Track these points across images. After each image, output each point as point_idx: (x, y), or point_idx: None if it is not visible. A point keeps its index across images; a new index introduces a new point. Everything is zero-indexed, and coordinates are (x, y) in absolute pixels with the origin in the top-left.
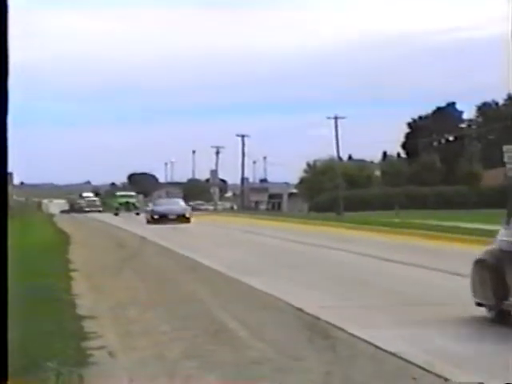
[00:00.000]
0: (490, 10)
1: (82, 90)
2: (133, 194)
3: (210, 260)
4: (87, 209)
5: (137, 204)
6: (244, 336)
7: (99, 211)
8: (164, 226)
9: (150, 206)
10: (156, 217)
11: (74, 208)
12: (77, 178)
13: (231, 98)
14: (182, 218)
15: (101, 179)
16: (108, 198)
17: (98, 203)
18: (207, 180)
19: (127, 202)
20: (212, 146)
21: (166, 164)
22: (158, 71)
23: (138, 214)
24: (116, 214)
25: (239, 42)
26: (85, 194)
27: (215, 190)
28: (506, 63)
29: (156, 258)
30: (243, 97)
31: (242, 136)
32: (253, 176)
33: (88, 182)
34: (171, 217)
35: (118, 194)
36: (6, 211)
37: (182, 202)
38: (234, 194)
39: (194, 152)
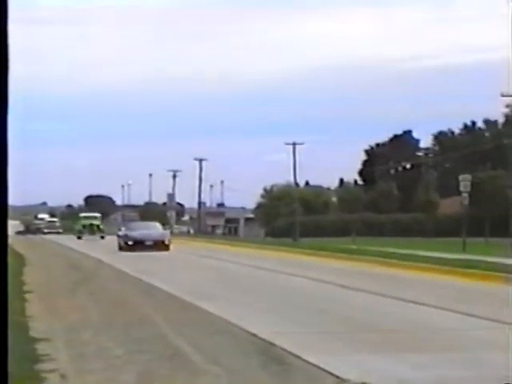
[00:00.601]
0: (448, 40)
1: (38, 111)
2: (97, 215)
3: (166, 284)
4: (46, 230)
5: (101, 226)
6: (198, 361)
7: (58, 233)
8: (138, 253)
9: (123, 230)
10: (130, 243)
11: (30, 229)
12: (32, 199)
13: (189, 121)
14: (161, 245)
15: (57, 201)
16: (70, 218)
17: (57, 224)
18: (164, 203)
19: (91, 224)
20: (169, 170)
21: (122, 186)
22: (116, 94)
23: (102, 237)
24: (79, 238)
25: (198, 66)
26: (40, 216)
27: (172, 214)
28: (462, 92)
29: (111, 281)
30: (201, 120)
31: (200, 160)
32: (210, 200)
33: (44, 203)
34: (148, 243)
35: (82, 215)
36: (5, 211)
37: (159, 226)
38: (191, 218)
39: (150, 175)
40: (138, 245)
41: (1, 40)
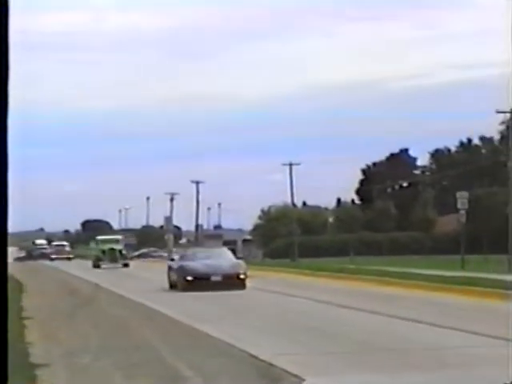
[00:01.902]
0: (441, 57)
1: (33, 136)
2: (119, 237)
3: (166, 308)
4: (53, 256)
5: (124, 252)
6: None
7: (69, 259)
8: (201, 293)
9: (177, 261)
10: (189, 278)
11: (32, 255)
12: (29, 225)
13: (185, 143)
14: (234, 281)
15: (54, 226)
16: (83, 243)
17: (67, 249)
18: (161, 227)
19: (112, 250)
20: (166, 193)
21: (119, 211)
22: (111, 117)
23: (126, 265)
24: (97, 266)
25: (193, 87)
26: (38, 241)
27: (169, 237)
28: (457, 109)
29: (112, 306)
30: (197, 142)
31: (197, 182)
32: (207, 222)
33: (41, 229)
34: (215, 278)
35: (99, 238)
36: (6, 212)
37: (229, 254)
38: (189, 241)
39: (148, 198)
40: (201, 281)
41: (1, 62)
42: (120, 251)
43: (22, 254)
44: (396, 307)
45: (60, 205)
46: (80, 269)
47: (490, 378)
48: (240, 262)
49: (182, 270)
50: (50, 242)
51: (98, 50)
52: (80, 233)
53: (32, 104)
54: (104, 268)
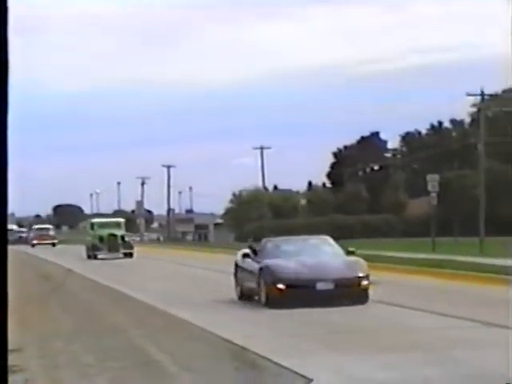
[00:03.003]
0: (413, 41)
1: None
2: (121, 220)
3: (139, 292)
4: (35, 241)
5: (127, 239)
6: (172, 367)
7: (53, 245)
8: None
9: (254, 256)
10: (281, 286)
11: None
12: None
13: (156, 128)
14: (354, 290)
15: (25, 211)
16: (55, 228)
17: (51, 233)
18: (133, 211)
19: (112, 236)
20: (137, 177)
21: (91, 195)
22: (82, 102)
23: (129, 254)
24: (92, 257)
25: (161, 73)
26: (9, 227)
27: (141, 221)
28: (428, 92)
29: (85, 291)
30: (168, 127)
31: (168, 166)
32: (179, 206)
33: (12, 214)
34: (323, 286)
35: (95, 221)
36: (5, 210)
37: (336, 248)
38: (161, 225)
39: (119, 183)
40: (302, 292)
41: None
42: (122, 237)
43: None
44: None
45: (31, 189)
46: (71, 259)
47: (461, 359)
48: (358, 259)
49: (269, 273)
50: (20, 226)
51: (66, 32)
52: (51, 217)
53: None
54: (102, 258)
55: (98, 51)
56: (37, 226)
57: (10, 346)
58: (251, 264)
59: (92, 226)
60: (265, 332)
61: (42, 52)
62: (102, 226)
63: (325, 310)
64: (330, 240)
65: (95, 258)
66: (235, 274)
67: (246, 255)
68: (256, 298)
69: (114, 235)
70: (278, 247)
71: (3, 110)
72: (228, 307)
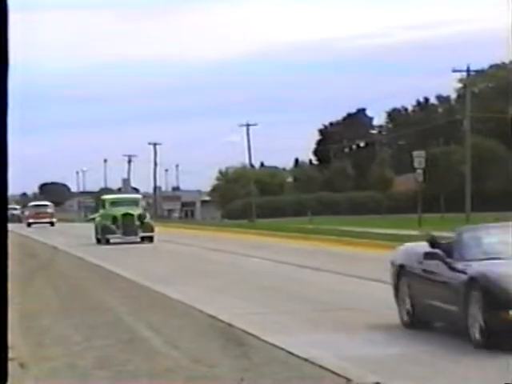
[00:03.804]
0: (399, 17)
1: None
2: (138, 196)
3: (124, 270)
4: (31, 220)
5: (147, 219)
6: (157, 344)
7: (52, 224)
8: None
9: (444, 256)
10: None
11: None
12: None
13: (142, 106)
14: None
15: (11, 189)
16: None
17: (49, 211)
18: (119, 189)
19: (128, 215)
20: (124, 155)
21: (77, 173)
22: (68, 80)
23: (149, 238)
24: (103, 240)
25: (149, 50)
26: None
27: None
28: (414, 69)
29: (70, 268)
30: (154, 105)
31: (154, 144)
32: (165, 184)
33: None
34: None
35: (106, 197)
36: (5, 207)
37: None
38: (147, 203)
39: (105, 161)
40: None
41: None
42: (140, 217)
43: None
44: (355, 267)
45: (16, 167)
46: (77, 243)
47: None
48: None
49: (495, 289)
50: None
51: (46, 9)
52: (38, 196)
53: None
54: (115, 243)
55: (82, 30)
56: (33, 203)
57: None
58: (442, 269)
59: (103, 203)
60: None
61: (29, 30)
62: (115, 203)
63: None
64: None
65: (107, 242)
66: (396, 285)
67: (428, 254)
68: (447, 325)
69: (131, 214)
70: (483, 242)
71: (3, 96)
72: None
